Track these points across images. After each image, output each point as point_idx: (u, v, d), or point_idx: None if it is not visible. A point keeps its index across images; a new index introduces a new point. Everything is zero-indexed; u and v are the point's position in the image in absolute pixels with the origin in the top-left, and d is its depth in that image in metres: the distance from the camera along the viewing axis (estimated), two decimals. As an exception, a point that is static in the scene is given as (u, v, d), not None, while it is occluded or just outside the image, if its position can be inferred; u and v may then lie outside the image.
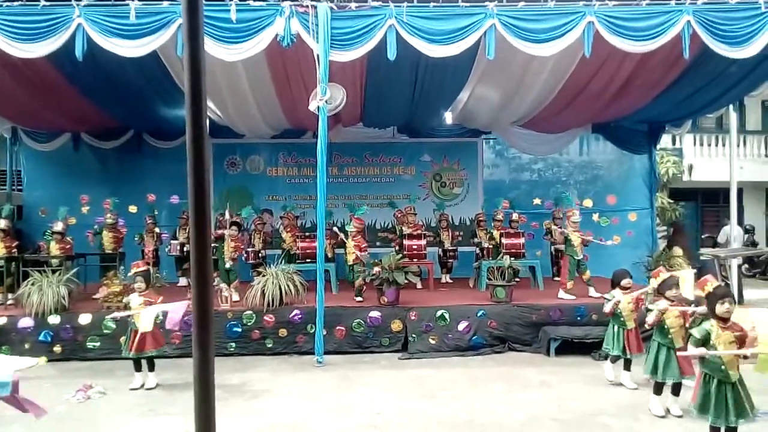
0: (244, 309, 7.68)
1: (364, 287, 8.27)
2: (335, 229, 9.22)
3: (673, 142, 16.84)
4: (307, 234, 9.80)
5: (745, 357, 4.03)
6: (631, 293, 6.16)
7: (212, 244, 7.38)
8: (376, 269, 7.84)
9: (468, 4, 6.90)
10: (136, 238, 10.04)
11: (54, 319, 7.44)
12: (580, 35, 6.79)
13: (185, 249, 9.83)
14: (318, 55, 6.80)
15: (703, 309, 4.65)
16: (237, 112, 9.97)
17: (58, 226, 8.87)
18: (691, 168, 16.93)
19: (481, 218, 10.57)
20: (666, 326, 5.28)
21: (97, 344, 7.44)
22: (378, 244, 10.95)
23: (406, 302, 7.97)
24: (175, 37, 6.57)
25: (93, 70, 7.69)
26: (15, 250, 8.74)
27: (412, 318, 7.71)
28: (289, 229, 10.10)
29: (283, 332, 7.62)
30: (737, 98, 9.86)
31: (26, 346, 7.29)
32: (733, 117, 11.69)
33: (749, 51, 6.87)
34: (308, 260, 9.02)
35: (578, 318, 7.84)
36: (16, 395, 3.29)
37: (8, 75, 7.85)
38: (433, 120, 11.30)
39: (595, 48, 6.82)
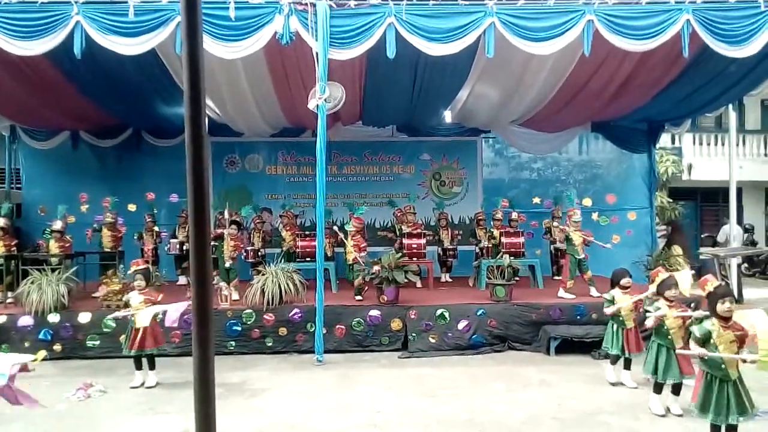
0: (243, 308, 7.68)
1: (364, 286, 8.27)
2: (335, 228, 9.22)
3: (673, 141, 16.84)
4: (306, 233, 9.79)
5: (744, 361, 4.03)
6: (631, 294, 6.16)
7: (212, 243, 7.38)
8: (376, 268, 7.84)
9: (467, 3, 6.90)
10: (135, 237, 10.04)
11: (54, 318, 7.44)
12: (579, 34, 6.79)
13: (185, 248, 9.82)
14: (317, 54, 6.80)
15: (699, 313, 4.64)
16: (236, 110, 9.96)
17: (58, 225, 8.87)
18: (690, 167, 16.93)
19: (480, 217, 10.57)
20: (665, 327, 5.28)
21: (97, 343, 7.43)
22: (375, 243, 10.95)
23: (405, 301, 7.97)
24: (174, 34, 6.57)
25: (91, 67, 7.68)
26: (14, 248, 8.73)
27: (412, 317, 7.70)
28: (288, 228, 10.09)
29: (282, 331, 7.62)
30: (736, 97, 9.86)
31: (26, 344, 7.28)
32: (732, 116, 11.70)
33: (748, 50, 6.86)
34: (308, 259, 9.02)
35: (578, 317, 7.85)
36: (11, 386, 3.29)
37: (7, 73, 7.83)
38: (433, 119, 11.29)
39: (594, 47, 6.82)
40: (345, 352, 7.55)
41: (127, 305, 6.35)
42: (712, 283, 4.37)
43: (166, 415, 5.26)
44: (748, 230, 16.00)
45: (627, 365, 6.18)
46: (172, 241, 10.09)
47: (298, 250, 9.38)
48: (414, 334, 7.65)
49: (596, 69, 8.16)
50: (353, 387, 6.23)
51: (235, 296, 8.15)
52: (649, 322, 5.30)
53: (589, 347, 7.33)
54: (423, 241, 9.55)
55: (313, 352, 7.20)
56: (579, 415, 5.33)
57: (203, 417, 1.65)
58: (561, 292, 8.31)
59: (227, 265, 8.41)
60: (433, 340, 7.63)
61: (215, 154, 11.69)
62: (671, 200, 16.01)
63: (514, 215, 10.17)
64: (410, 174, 12.20)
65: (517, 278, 8.49)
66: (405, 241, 9.53)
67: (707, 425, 4.25)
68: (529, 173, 12.82)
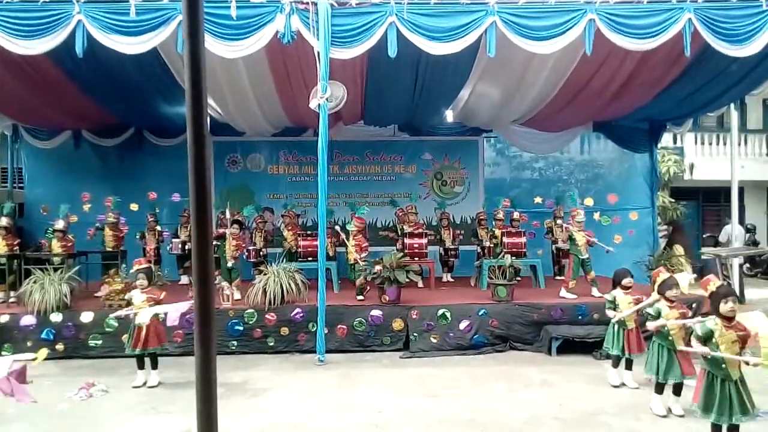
0: (245, 307, 7.68)
1: (366, 286, 8.27)
2: (337, 228, 9.22)
3: (674, 141, 16.80)
4: (308, 232, 9.80)
5: (747, 363, 4.02)
6: (632, 294, 6.14)
7: (214, 243, 7.39)
8: (378, 268, 7.84)
9: (469, 1, 6.89)
10: (137, 237, 10.05)
11: (56, 317, 7.45)
12: (581, 33, 6.78)
13: (187, 247, 9.83)
14: (318, 53, 6.80)
15: (699, 320, 4.62)
16: (237, 109, 9.96)
17: (60, 224, 8.86)
18: (692, 167, 16.90)
19: (482, 217, 10.56)
20: (666, 327, 5.26)
21: (99, 342, 7.44)
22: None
23: (407, 301, 7.97)
24: (176, 33, 6.58)
25: (93, 67, 7.69)
26: (16, 247, 8.74)
27: (414, 317, 7.70)
28: (290, 228, 10.10)
29: (284, 331, 7.62)
30: (738, 97, 9.84)
31: (28, 343, 7.28)
32: (734, 116, 11.69)
33: (750, 49, 6.85)
34: (309, 259, 9.02)
35: (580, 317, 7.84)
36: (9, 378, 3.29)
37: (8, 72, 7.84)
38: (434, 118, 11.28)
39: (596, 46, 6.81)
40: (346, 352, 7.55)
41: (129, 304, 6.36)
42: (714, 283, 4.37)
43: (168, 414, 5.28)
44: (750, 230, 15.99)
45: (628, 366, 6.17)
46: (174, 240, 10.10)
47: (299, 249, 9.39)
48: (415, 334, 7.65)
49: (598, 68, 8.15)
50: (355, 387, 6.23)
51: (237, 296, 8.15)
52: (650, 327, 5.29)
53: (590, 347, 7.32)
54: (424, 240, 9.54)
55: (315, 351, 7.21)
56: (580, 415, 5.33)
57: (205, 417, 1.65)
58: (563, 292, 8.31)
59: (229, 264, 8.42)
60: (434, 340, 7.63)
61: (217, 154, 11.69)
62: (673, 200, 15.99)
63: (516, 215, 10.17)
64: (412, 173, 12.20)
65: (518, 278, 8.49)
66: (406, 240, 9.53)
67: (709, 426, 4.25)
68: (531, 173, 12.82)
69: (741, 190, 12.84)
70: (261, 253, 9.77)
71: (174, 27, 6.57)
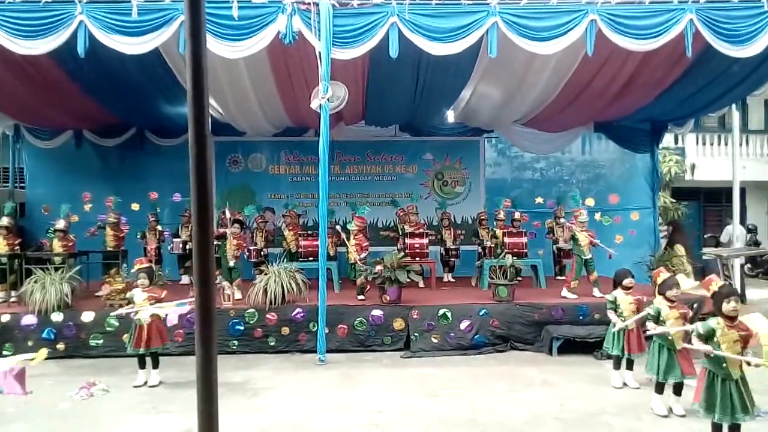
0: (246, 307, 7.69)
1: (367, 286, 8.27)
2: (337, 227, 9.22)
3: (676, 142, 16.78)
4: (309, 232, 9.80)
5: (748, 364, 4.02)
6: (633, 295, 6.14)
7: (214, 242, 7.39)
8: (379, 268, 7.84)
9: (470, 2, 6.88)
10: (138, 236, 10.06)
11: (57, 317, 7.46)
12: (582, 33, 6.78)
13: (188, 247, 9.83)
14: (320, 53, 6.80)
15: (697, 325, 4.60)
16: (239, 109, 9.96)
17: (61, 224, 8.87)
18: (693, 167, 16.88)
19: (483, 217, 10.56)
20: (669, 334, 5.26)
21: (100, 342, 7.45)
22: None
23: (408, 301, 7.97)
24: (177, 34, 6.57)
25: (95, 67, 7.69)
26: (18, 247, 8.75)
27: (414, 317, 7.70)
28: (291, 228, 10.10)
29: (285, 330, 7.62)
30: (740, 97, 9.83)
31: (29, 343, 7.29)
32: (735, 116, 11.66)
33: (752, 50, 6.84)
34: (310, 258, 9.02)
35: (581, 317, 7.83)
36: (6, 374, 3.31)
37: (10, 72, 7.85)
38: (435, 118, 11.28)
39: (597, 46, 6.81)
40: (347, 352, 7.56)
41: (130, 303, 6.37)
42: (716, 282, 4.37)
43: (169, 414, 5.29)
44: (751, 230, 15.95)
45: (629, 366, 6.17)
46: (175, 240, 10.10)
47: (300, 249, 9.39)
48: (416, 334, 7.65)
49: (599, 69, 8.14)
50: (355, 387, 6.24)
51: (238, 295, 8.16)
52: (652, 331, 5.29)
53: (591, 347, 7.32)
54: (425, 240, 9.55)
55: (316, 351, 7.21)
56: (581, 415, 5.32)
57: (206, 416, 1.66)
58: (564, 292, 8.31)
59: (231, 264, 8.42)
60: (435, 340, 7.63)
61: (218, 154, 11.70)
62: (674, 200, 15.97)
63: (517, 215, 10.17)
64: (413, 174, 12.19)
65: (519, 278, 8.48)
66: (407, 240, 9.53)
67: (710, 426, 4.25)
68: (532, 173, 12.81)
69: (742, 191, 12.83)
70: (262, 253, 9.77)
71: (176, 27, 6.57)
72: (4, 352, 7.13)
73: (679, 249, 9.79)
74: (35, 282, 7.59)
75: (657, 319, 5.32)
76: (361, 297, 8.21)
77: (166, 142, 11.38)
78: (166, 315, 5.97)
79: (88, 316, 7.50)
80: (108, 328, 7.43)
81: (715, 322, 4.17)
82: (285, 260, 8.70)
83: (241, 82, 8.62)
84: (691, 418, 5.00)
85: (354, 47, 6.91)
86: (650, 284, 6.52)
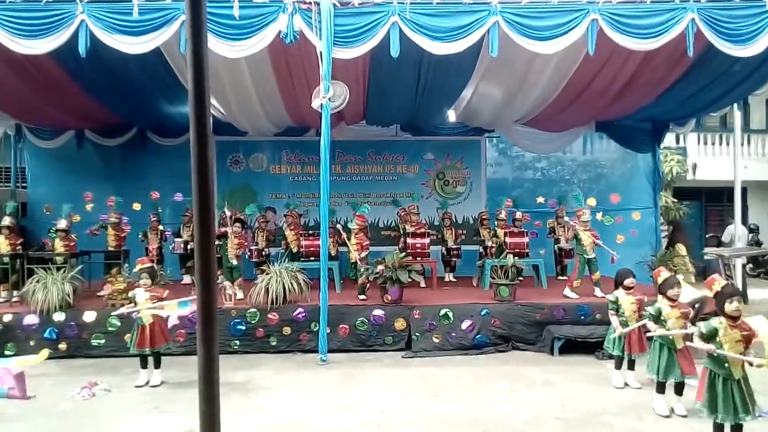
0: (248, 307, 7.69)
1: (368, 285, 8.27)
2: (338, 227, 9.22)
3: (677, 141, 16.74)
4: (310, 232, 9.80)
5: (750, 364, 4.02)
6: (634, 295, 6.12)
7: (216, 242, 7.39)
8: (380, 267, 7.84)
9: (471, 1, 6.88)
10: (139, 236, 10.06)
11: (59, 317, 7.46)
12: (583, 33, 6.77)
13: (189, 247, 9.84)
14: (321, 52, 6.80)
15: (700, 325, 4.60)
16: (240, 109, 9.97)
17: (63, 224, 8.88)
18: (695, 167, 16.85)
19: (484, 217, 10.56)
20: (668, 328, 5.25)
21: (102, 341, 7.46)
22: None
23: (409, 301, 7.97)
24: (178, 33, 6.57)
25: (96, 66, 7.69)
26: (19, 247, 8.77)
27: (416, 316, 7.70)
28: (292, 228, 10.10)
29: (286, 330, 7.63)
30: (741, 97, 9.82)
31: (31, 343, 7.31)
32: (737, 116, 11.63)
33: (753, 49, 6.83)
34: (312, 258, 9.02)
35: (582, 317, 7.83)
36: (7, 367, 3.32)
37: (11, 72, 7.86)
38: (437, 118, 11.28)
39: (598, 46, 6.80)
40: (349, 352, 7.56)
41: (132, 302, 6.36)
42: (719, 282, 4.36)
43: (171, 414, 5.29)
44: (753, 230, 15.93)
45: (631, 365, 6.16)
46: (176, 240, 10.11)
47: (302, 249, 9.39)
48: (418, 334, 7.65)
49: (600, 68, 8.13)
50: (357, 386, 6.24)
51: (240, 295, 8.17)
52: (653, 332, 5.28)
53: (593, 347, 7.31)
54: (427, 240, 9.55)
55: (317, 351, 7.21)
56: (582, 415, 5.32)
57: (208, 416, 1.66)
58: (566, 291, 8.31)
59: (233, 263, 8.43)
60: (436, 340, 7.63)
61: (219, 153, 11.71)
62: (676, 200, 15.95)
63: (518, 215, 10.16)
64: (414, 173, 12.19)
65: (520, 278, 8.48)
66: (409, 240, 9.53)
67: (711, 426, 4.24)
68: (533, 173, 12.80)
69: (744, 191, 12.80)
70: (263, 252, 9.77)
71: (177, 27, 6.57)
72: (6, 352, 7.14)
73: (680, 249, 9.78)
74: (37, 282, 7.60)
75: (657, 318, 5.31)
76: (362, 297, 8.21)
77: (168, 141, 11.38)
78: (168, 316, 6.00)
79: (89, 316, 7.51)
80: (110, 328, 7.44)
81: (718, 322, 4.16)
82: (286, 260, 8.69)
83: (242, 82, 8.62)
84: (693, 418, 5.00)
85: (355, 47, 6.91)
86: (652, 284, 6.51)
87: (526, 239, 9.54)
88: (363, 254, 8.49)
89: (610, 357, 6.47)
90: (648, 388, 5.77)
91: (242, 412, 5.40)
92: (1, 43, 6.62)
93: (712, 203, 17.92)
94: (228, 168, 11.94)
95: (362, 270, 8.25)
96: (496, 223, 10.11)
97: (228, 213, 8.64)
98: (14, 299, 8.27)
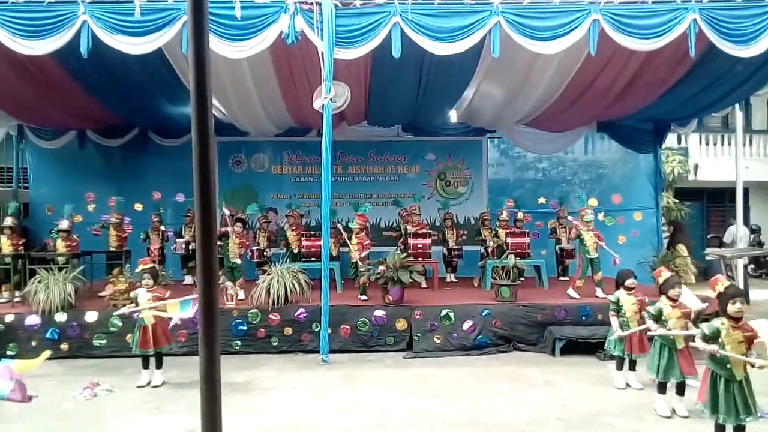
0: (249, 307, 7.70)
1: (367, 284, 8.27)
2: (339, 227, 9.22)
3: (679, 142, 16.71)
4: (311, 232, 9.80)
5: (752, 365, 4.02)
6: (635, 295, 6.11)
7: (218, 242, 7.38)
8: (381, 268, 7.84)
9: (473, 2, 6.88)
10: (141, 237, 10.07)
11: (61, 317, 7.47)
12: (585, 33, 6.77)
13: (191, 247, 9.84)
14: (322, 53, 6.80)
15: (698, 331, 4.59)
16: (241, 109, 9.98)
17: (64, 224, 8.89)
18: (696, 167, 16.83)
19: (485, 217, 10.56)
20: (669, 328, 5.24)
21: (104, 342, 7.46)
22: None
23: (410, 301, 7.97)
24: (180, 34, 6.57)
25: (98, 67, 7.70)
26: (21, 247, 8.79)
27: (417, 317, 7.70)
28: (293, 228, 10.10)
29: (288, 331, 7.63)
30: (743, 97, 9.80)
31: (33, 343, 7.32)
32: (739, 116, 11.61)
33: (755, 49, 6.82)
34: (313, 259, 9.02)
35: (583, 318, 7.82)
36: (10, 370, 3.32)
37: (13, 72, 7.86)
38: (438, 118, 11.28)
39: (600, 46, 6.80)
40: (350, 352, 7.56)
41: (134, 302, 6.36)
42: (722, 283, 4.35)
43: (172, 414, 5.29)
44: (755, 231, 15.91)
45: (632, 366, 6.15)
46: (178, 240, 10.12)
47: (303, 250, 9.39)
48: (419, 335, 7.64)
49: (602, 68, 8.13)
50: (358, 387, 6.24)
51: (241, 295, 8.17)
52: (653, 332, 5.27)
53: (594, 348, 7.30)
54: (428, 241, 9.55)
55: (319, 351, 7.21)
56: (584, 416, 5.32)
57: (209, 416, 1.66)
58: (570, 291, 8.31)
59: (236, 262, 8.43)
60: (438, 341, 7.62)
61: (221, 154, 11.71)
62: (677, 200, 15.92)
63: (520, 215, 10.15)
64: (415, 174, 12.20)
65: (522, 279, 8.48)
66: (410, 241, 9.53)
67: (713, 426, 4.24)
68: (535, 173, 12.79)
69: (746, 191, 12.76)
70: (264, 253, 9.77)
71: (179, 27, 6.58)
72: (8, 353, 7.14)
73: (681, 249, 9.77)
74: (39, 282, 7.61)
75: (658, 318, 5.30)
76: (363, 297, 8.21)
77: (169, 142, 11.39)
78: (170, 318, 6.02)
79: (91, 317, 7.52)
80: (111, 329, 7.45)
81: (720, 323, 4.16)
82: (288, 260, 8.70)
83: (244, 83, 8.63)
84: (694, 418, 4.99)
85: (356, 47, 6.91)
86: (653, 285, 6.50)
87: (527, 240, 9.54)
88: (364, 254, 8.49)
89: (612, 358, 6.47)
90: (649, 388, 5.77)
91: (244, 413, 5.40)
92: (3, 44, 6.63)
93: (713, 204, 17.89)
94: (229, 168, 11.96)
95: (363, 270, 8.25)
96: (497, 223, 10.09)
97: (227, 212, 8.63)
98: (16, 299, 8.27)
